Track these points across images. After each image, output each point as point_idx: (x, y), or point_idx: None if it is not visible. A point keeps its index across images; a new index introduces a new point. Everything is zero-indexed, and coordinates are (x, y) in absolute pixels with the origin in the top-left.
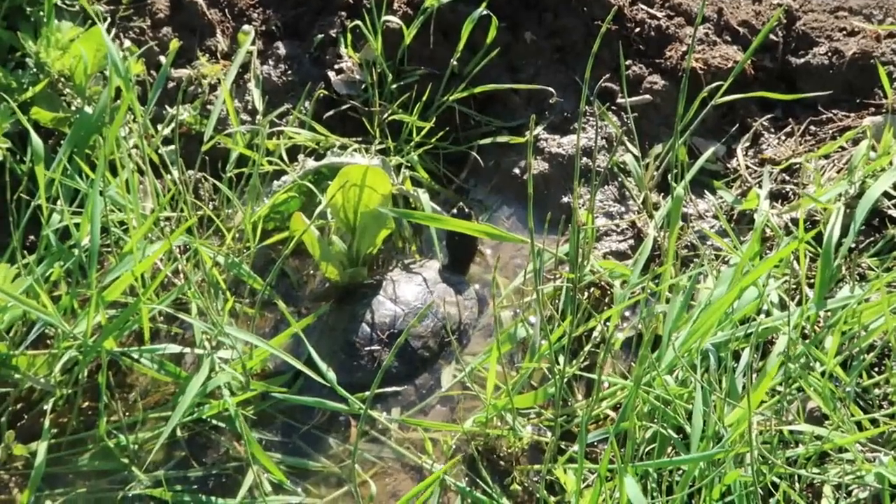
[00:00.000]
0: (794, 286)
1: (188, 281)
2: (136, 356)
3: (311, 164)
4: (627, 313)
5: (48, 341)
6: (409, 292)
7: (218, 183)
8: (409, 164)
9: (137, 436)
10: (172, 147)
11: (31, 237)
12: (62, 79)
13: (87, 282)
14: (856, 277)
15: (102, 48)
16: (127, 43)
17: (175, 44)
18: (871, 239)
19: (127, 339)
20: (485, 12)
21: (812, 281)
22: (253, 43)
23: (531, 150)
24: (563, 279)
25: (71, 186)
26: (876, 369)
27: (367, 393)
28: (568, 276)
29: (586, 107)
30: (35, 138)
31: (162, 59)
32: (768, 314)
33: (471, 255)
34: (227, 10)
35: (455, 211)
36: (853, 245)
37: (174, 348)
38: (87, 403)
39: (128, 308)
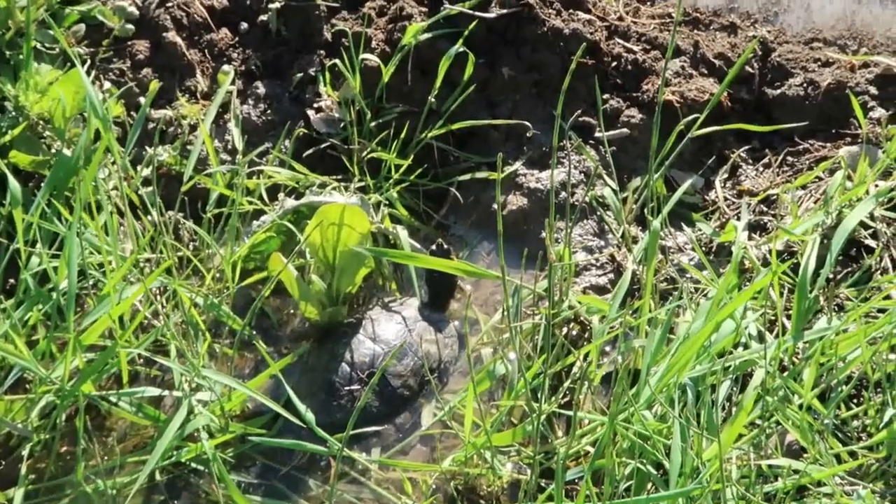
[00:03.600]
0: (773, 318)
1: (167, 322)
2: (114, 400)
3: (289, 203)
4: (607, 348)
5: (27, 385)
6: (389, 331)
7: (195, 226)
8: (389, 202)
9: (116, 480)
10: (152, 188)
11: (12, 280)
12: (41, 121)
13: (65, 325)
14: (833, 308)
15: (81, 90)
16: (107, 84)
17: (154, 85)
18: (849, 269)
19: (105, 382)
20: (462, 49)
21: (791, 312)
22: (233, 82)
23: (500, 189)
24: (541, 316)
25: (50, 229)
26: (854, 401)
27: (345, 434)
28: (545, 312)
29: (565, 141)
30: (13, 182)
31: (142, 100)
32: (746, 347)
33: (450, 292)
34: (206, 51)
35: (434, 247)
36: (830, 275)
37: (153, 391)
38: (65, 448)
39: (105, 352)
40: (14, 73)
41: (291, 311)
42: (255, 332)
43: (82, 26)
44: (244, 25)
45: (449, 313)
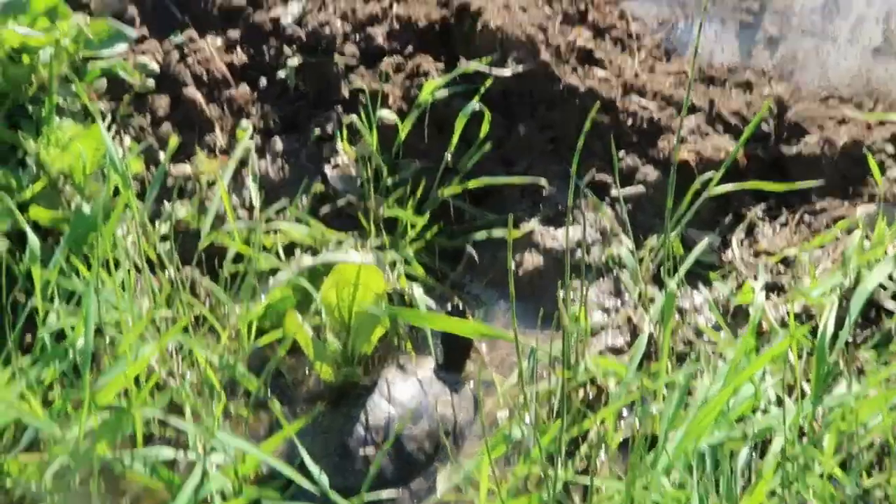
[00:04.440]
0: (792, 382)
1: (182, 382)
2: (128, 461)
3: (305, 261)
4: (625, 412)
5: (42, 444)
6: (405, 393)
7: (212, 284)
8: (405, 260)
9: None
10: (169, 244)
11: (29, 336)
12: (62, 177)
13: (80, 384)
14: (854, 372)
15: (102, 146)
16: (127, 140)
17: (174, 141)
18: (869, 332)
19: (120, 442)
20: (478, 106)
21: (810, 375)
22: (251, 138)
23: (514, 249)
24: (556, 379)
25: (68, 287)
26: (876, 468)
27: (360, 498)
28: (560, 376)
29: (580, 199)
30: (32, 238)
31: (161, 155)
32: (765, 412)
33: (466, 353)
34: (225, 107)
35: (449, 307)
36: (850, 339)
37: (167, 453)
38: None
39: (121, 412)
40: (37, 128)
41: (306, 371)
42: (270, 393)
43: (104, 81)
44: (263, 81)
45: (465, 374)
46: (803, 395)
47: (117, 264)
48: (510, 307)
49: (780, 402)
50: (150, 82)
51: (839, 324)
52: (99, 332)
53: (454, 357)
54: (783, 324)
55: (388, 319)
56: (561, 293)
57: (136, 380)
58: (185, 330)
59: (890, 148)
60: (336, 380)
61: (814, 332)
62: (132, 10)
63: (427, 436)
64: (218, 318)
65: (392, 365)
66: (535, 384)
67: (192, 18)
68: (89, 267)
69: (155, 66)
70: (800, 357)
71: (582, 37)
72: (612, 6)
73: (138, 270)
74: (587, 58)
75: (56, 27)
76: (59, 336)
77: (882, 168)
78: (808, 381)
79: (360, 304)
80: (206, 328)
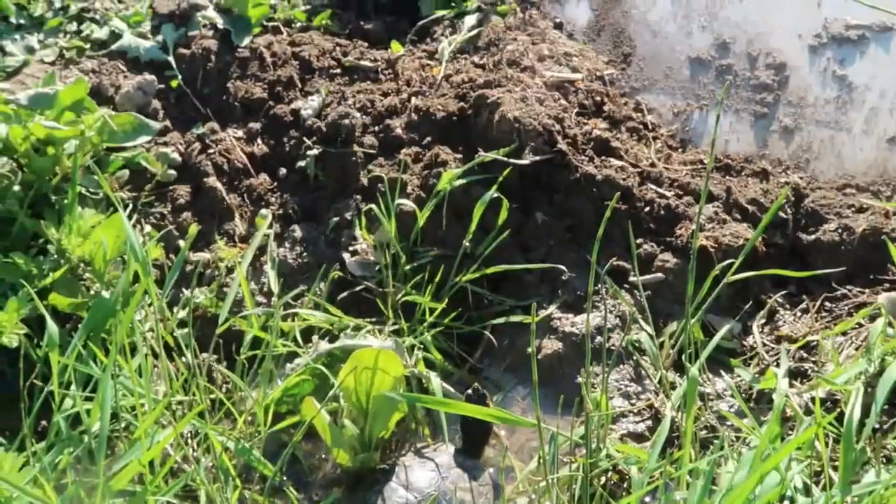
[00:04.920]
0: (819, 469)
1: (197, 468)
2: None
3: (323, 346)
4: (647, 499)
5: None
6: (422, 479)
7: (227, 371)
8: (423, 345)
9: None
10: (187, 330)
11: (44, 422)
12: (82, 264)
13: (95, 469)
14: (881, 460)
15: (122, 234)
16: (148, 228)
17: (193, 229)
18: (895, 419)
19: None
20: (496, 195)
21: (837, 463)
22: (270, 226)
23: (534, 335)
24: (578, 465)
25: (85, 372)
26: None
27: None
28: (582, 462)
29: (600, 285)
30: (51, 325)
31: (181, 243)
32: (792, 501)
33: (485, 438)
34: (245, 196)
35: (470, 391)
36: (877, 425)
37: None
38: None
39: (135, 498)
40: (58, 217)
41: (323, 456)
42: (285, 478)
43: (126, 172)
44: (283, 171)
45: (484, 460)
46: (831, 483)
47: (134, 350)
48: (529, 392)
49: (807, 491)
50: (172, 172)
51: (865, 411)
52: (115, 416)
53: (473, 442)
54: (808, 411)
55: (406, 404)
56: (581, 378)
57: (151, 465)
58: (202, 415)
59: None
60: (353, 465)
61: (839, 419)
62: (156, 104)
63: None
64: (234, 403)
65: (409, 450)
66: (556, 470)
67: (213, 111)
68: (107, 353)
69: (177, 157)
70: (826, 445)
71: (598, 127)
72: (628, 98)
73: (156, 356)
74: (604, 148)
75: (81, 120)
76: (76, 421)
77: None
78: (834, 469)
79: (378, 390)
80: (222, 413)
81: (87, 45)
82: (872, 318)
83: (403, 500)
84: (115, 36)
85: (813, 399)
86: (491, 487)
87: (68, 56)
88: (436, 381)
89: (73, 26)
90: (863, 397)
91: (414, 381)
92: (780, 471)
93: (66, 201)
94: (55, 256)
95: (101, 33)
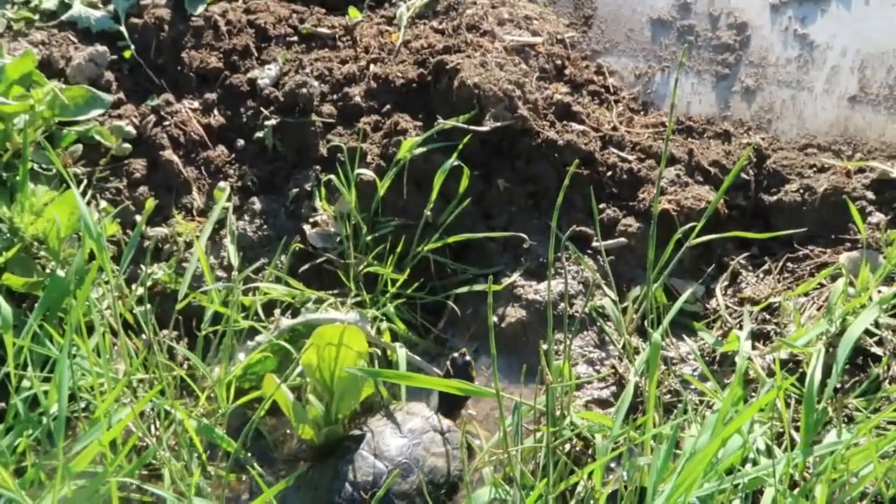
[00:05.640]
0: (781, 431)
1: (157, 445)
2: None
3: (285, 322)
4: (613, 465)
5: None
6: (394, 446)
7: (185, 351)
8: (386, 316)
9: None
10: (147, 307)
11: (1, 404)
12: (36, 242)
13: (54, 451)
14: (843, 420)
15: (76, 211)
16: (103, 203)
17: (150, 203)
18: (857, 378)
19: None
20: (456, 163)
21: (799, 424)
22: (229, 199)
23: (496, 303)
24: (542, 434)
25: (42, 352)
26: None
27: None
28: (545, 431)
29: (562, 252)
30: (4, 306)
31: (138, 218)
32: (755, 463)
33: (463, 400)
34: (203, 168)
35: (455, 355)
36: (838, 385)
37: None
38: None
39: (95, 480)
40: (10, 194)
41: (288, 431)
42: (250, 454)
43: (79, 146)
44: (241, 142)
45: (460, 421)
46: (793, 444)
47: (92, 329)
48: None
49: (769, 453)
50: (127, 146)
51: (826, 371)
52: (73, 397)
53: (449, 405)
54: (770, 372)
55: (373, 382)
56: (544, 346)
57: (113, 444)
58: (163, 393)
59: (870, 194)
60: (317, 440)
61: (801, 380)
62: (109, 76)
63: (417, 491)
64: (196, 379)
65: (380, 415)
66: (521, 441)
67: (168, 82)
68: (63, 333)
69: (132, 130)
70: (788, 406)
71: (559, 92)
72: (589, 61)
73: (114, 334)
74: (565, 112)
75: (31, 95)
76: (34, 403)
77: (863, 214)
78: (797, 430)
79: (342, 365)
80: (183, 391)
81: (36, 16)
82: (834, 279)
83: (373, 469)
84: (65, 6)
85: (775, 361)
86: (466, 449)
87: (16, 28)
88: (401, 353)
89: None
90: (824, 358)
91: (378, 354)
92: (742, 433)
93: (17, 178)
94: (8, 235)
95: (50, 3)
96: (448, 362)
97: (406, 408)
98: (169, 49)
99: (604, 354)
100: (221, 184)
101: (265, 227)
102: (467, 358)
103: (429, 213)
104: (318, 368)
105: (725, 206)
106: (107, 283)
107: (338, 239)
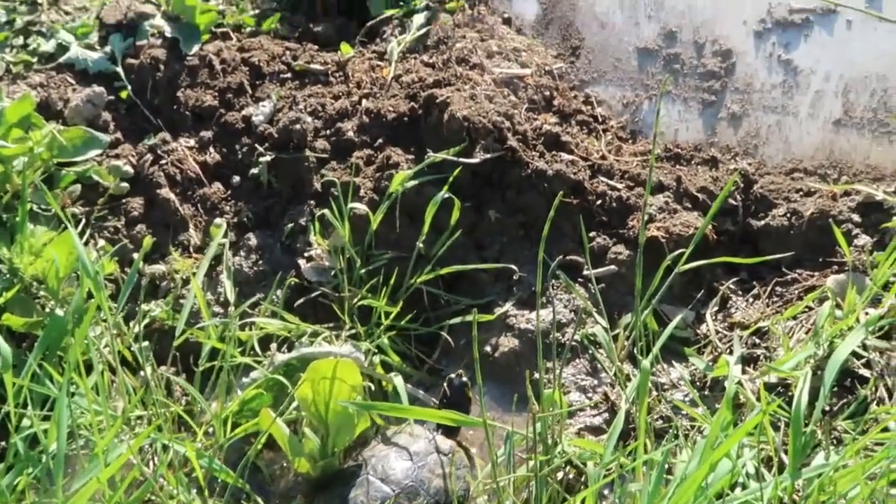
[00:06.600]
0: (771, 455)
1: (152, 480)
2: None
3: (280, 357)
4: (605, 491)
5: None
6: (399, 469)
7: (185, 384)
8: (380, 348)
9: None
10: (145, 343)
11: (2, 443)
12: (35, 282)
13: (54, 489)
14: (831, 442)
15: (75, 251)
16: (101, 242)
17: (147, 241)
18: (845, 400)
19: None
20: (448, 195)
21: (788, 447)
22: (225, 235)
23: (488, 334)
24: (533, 464)
25: (41, 391)
26: None
27: None
28: (536, 460)
29: (553, 280)
30: (4, 346)
31: (136, 255)
32: (744, 486)
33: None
34: (199, 205)
35: (452, 376)
36: (826, 408)
37: None
38: None
39: None
40: (10, 235)
41: (285, 464)
42: (249, 487)
43: (78, 186)
44: (236, 179)
45: (462, 439)
46: (782, 467)
47: (91, 367)
48: (487, 390)
49: (758, 476)
50: (125, 185)
51: (815, 394)
52: (73, 435)
53: (449, 427)
54: (760, 397)
55: (368, 415)
56: (532, 376)
57: (112, 481)
58: (160, 429)
59: (856, 217)
60: (313, 473)
61: (790, 402)
62: (106, 116)
63: None
64: (194, 415)
65: (381, 441)
66: (513, 469)
67: (165, 121)
68: (62, 372)
69: (129, 169)
70: (777, 429)
71: (548, 122)
72: (578, 91)
73: (112, 371)
74: (554, 142)
75: (29, 137)
76: (34, 442)
77: (849, 237)
78: (786, 452)
79: (337, 400)
80: (181, 426)
81: (35, 59)
82: (821, 302)
83: (381, 494)
84: (63, 48)
85: (765, 385)
86: (469, 469)
87: (15, 71)
88: (398, 381)
89: (20, 40)
90: (812, 380)
91: (375, 385)
92: (731, 458)
93: (17, 219)
94: (7, 276)
95: (48, 46)
96: (445, 384)
97: (409, 430)
98: (165, 88)
99: (596, 381)
100: (218, 220)
101: (261, 262)
102: (464, 379)
103: (421, 245)
104: (314, 402)
105: (714, 232)
106: (105, 321)
107: (332, 272)
